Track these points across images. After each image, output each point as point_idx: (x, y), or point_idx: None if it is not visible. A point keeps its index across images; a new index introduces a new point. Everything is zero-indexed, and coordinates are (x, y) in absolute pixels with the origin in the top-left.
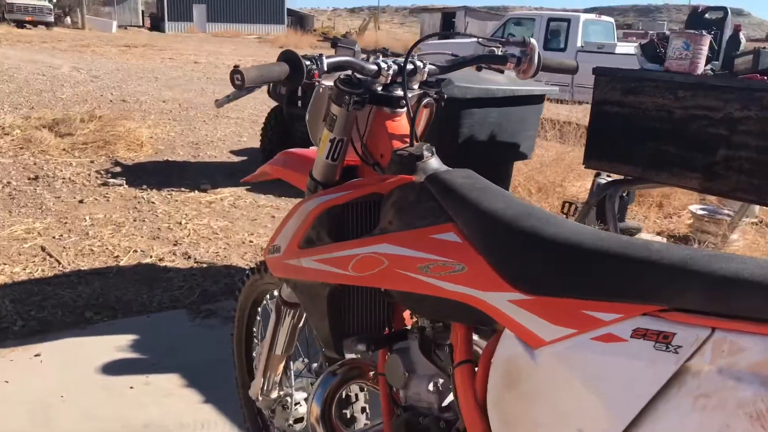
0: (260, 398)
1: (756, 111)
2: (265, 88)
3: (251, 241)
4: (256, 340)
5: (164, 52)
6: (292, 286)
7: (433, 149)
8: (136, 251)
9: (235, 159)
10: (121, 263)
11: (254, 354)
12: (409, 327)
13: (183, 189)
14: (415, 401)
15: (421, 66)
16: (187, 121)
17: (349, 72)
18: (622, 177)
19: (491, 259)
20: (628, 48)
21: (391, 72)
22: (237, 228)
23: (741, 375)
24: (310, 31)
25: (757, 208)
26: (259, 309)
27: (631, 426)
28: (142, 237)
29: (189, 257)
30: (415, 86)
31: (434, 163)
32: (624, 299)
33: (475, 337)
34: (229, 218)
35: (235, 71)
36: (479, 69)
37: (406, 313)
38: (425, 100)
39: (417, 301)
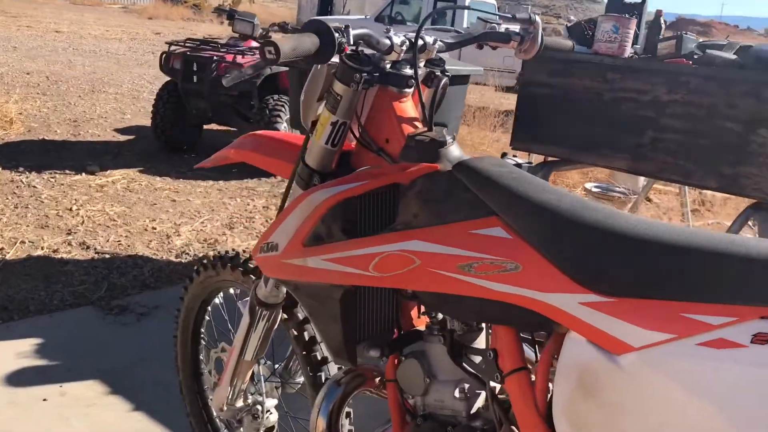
0: (225, 408)
1: (682, 94)
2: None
3: (154, 228)
4: (203, 341)
5: (19, 20)
6: (292, 289)
7: (454, 134)
8: (23, 242)
9: (121, 138)
10: (8, 257)
11: (201, 357)
12: (420, 328)
13: (67, 171)
14: (437, 409)
15: (431, 42)
16: (59, 95)
17: (354, 47)
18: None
19: (554, 258)
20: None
21: (404, 48)
22: (136, 214)
23: None
24: (181, 2)
25: (641, 183)
26: (209, 308)
27: None
28: (28, 226)
29: (88, 247)
30: (421, 64)
31: (455, 149)
32: (735, 301)
33: None
34: (125, 203)
35: (268, 42)
36: (480, 47)
37: (414, 312)
38: (442, 81)
39: (454, 303)
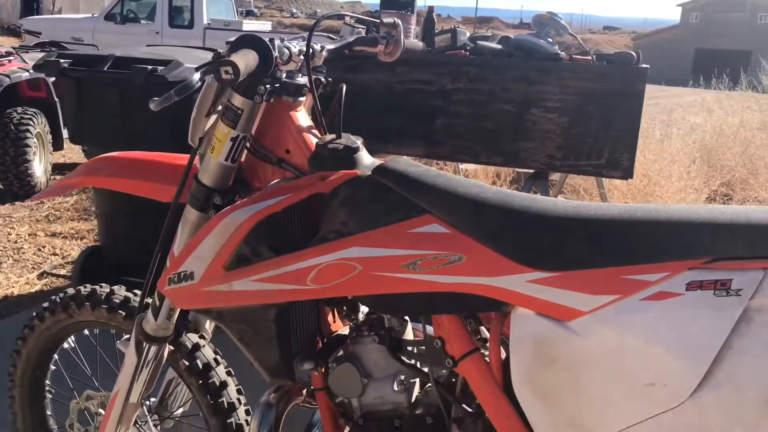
0: None
1: (464, 83)
2: None
3: None
4: (49, 395)
5: None
6: (215, 317)
7: (362, 139)
8: None
9: None
10: None
11: (48, 412)
12: (342, 332)
13: None
14: (377, 406)
15: (319, 49)
16: None
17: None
18: None
19: (495, 244)
20: (255, 25)
21: (301, 57)
22: None
23: None
24: None
25: None
26: (56, 356)
27: (714, 365)
28: None
29: None
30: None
31: (366, 154)
32: (665, 259)
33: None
34: None
35: (225, 62)
36: (351, 52)
37: (330, 318)
38: (342, 85)
39: (397, 301)
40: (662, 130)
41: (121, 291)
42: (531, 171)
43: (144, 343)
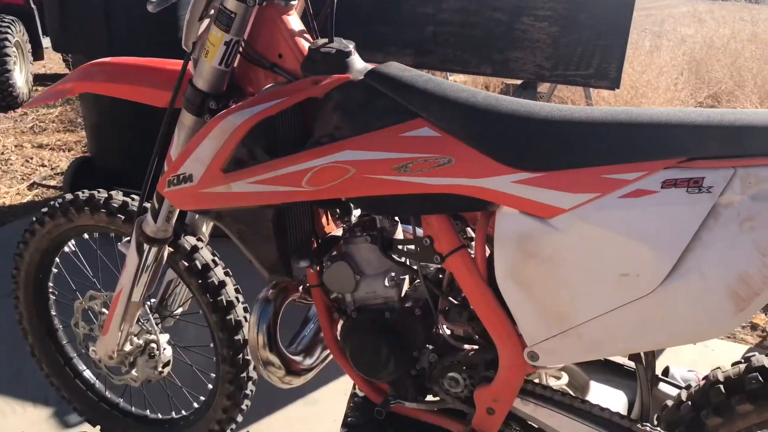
0: (114, 356)
1: None
2: None
3: None
4: (53, 297)
5: None
6: (214, 217)
7: (354, 44)
8: None
9: None
10: None
11: (53, 312)
12: (336, 233)
13: None
14: (369, 300)
15: None
16: None
17: None
18: None
19: (483, 147)
20: None
21: None
22: None
23: None
24: None
25: None
26: (57, 259)
27: (682, 259)
28: None
29: None
30: None
31: (358, 58)
32: (643, 158)
33: None
34: None
35: None
36: None
37: (324, 220)
38: None
39: (389, 202)
40: (652, 42)
41: (119, 196)
42: (519, 81)
43: (144, 245)
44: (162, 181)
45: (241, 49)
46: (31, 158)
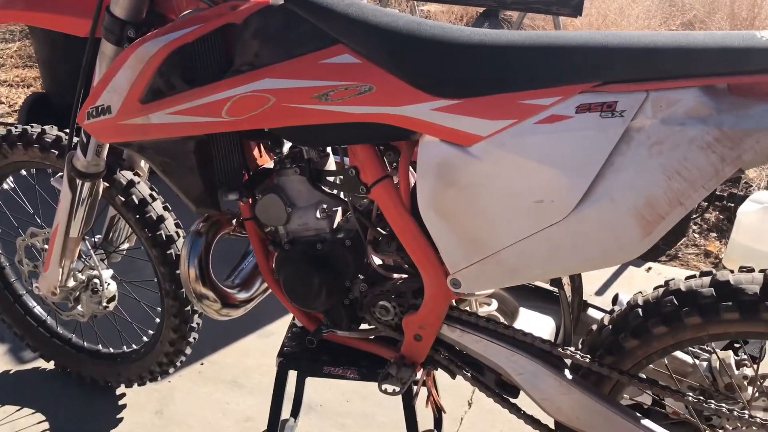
0: (57, 292)
1: None
2: None
3: None
4: None
5: None
6: (136, 149)
7: None
8: None
9: None
10: None
11: None
12: (267, 166)
13: None
14: (301, 232)
15: None
16: None
17: None
18: None
19: (403, 74)
20: None
21: None
22: None
23: (683, 120)
24: None
25: None
26: None
27: (594, 183)
28: None
29: None
30: None
31: None
32: (558, 83)
33: None
34: None
35: None
36: None
37: (256, 153)
38: None
39: (312, 132)
40: None
41: (52, 131)
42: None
43: (76, 180)
44: (81, 113)
45: None
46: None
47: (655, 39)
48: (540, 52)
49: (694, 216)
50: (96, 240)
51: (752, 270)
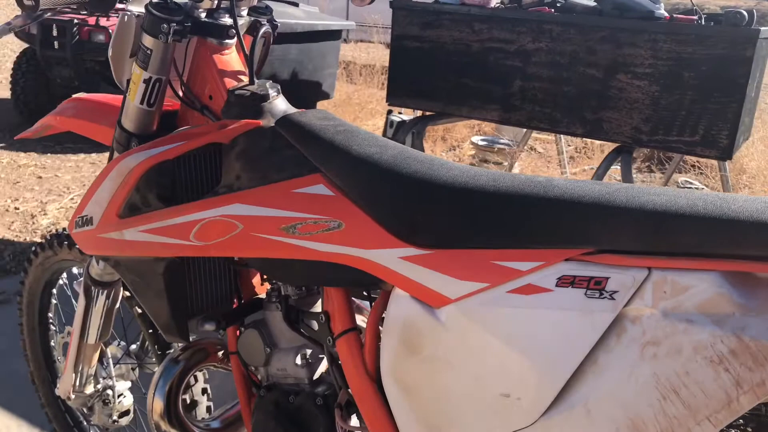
0: (72, 396)
1: (546, 43)
2: None
3: (17, 208)
4: (53, 328)
5: None
6: (113, 265)
7: (279, 87)
8: None
9: None
10: None
11: (52, 343)
12: (261, 296)
13: None
14: (280, 378)
15: None
16: None
17: None
18: (420, 113)
19: (374, 213)
20: None
21: None
22: None
23: (691, 316)
24: None
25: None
26: (54, 291)
27: (570, 384)
28: None
29: None
30: (244, 13)
31: (281, 103)
32: (542, 245)
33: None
34: None
35: None
36: None
37: (256, 280)
38: (262, 30)
39: (281, 267)
40: None
41: None
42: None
43: (92, 287)
44: (71, 221)
45: (176, 88)
46: None
47: (676, 198)
48: (528, 201)
49: None
50: (132, 348)
51: None
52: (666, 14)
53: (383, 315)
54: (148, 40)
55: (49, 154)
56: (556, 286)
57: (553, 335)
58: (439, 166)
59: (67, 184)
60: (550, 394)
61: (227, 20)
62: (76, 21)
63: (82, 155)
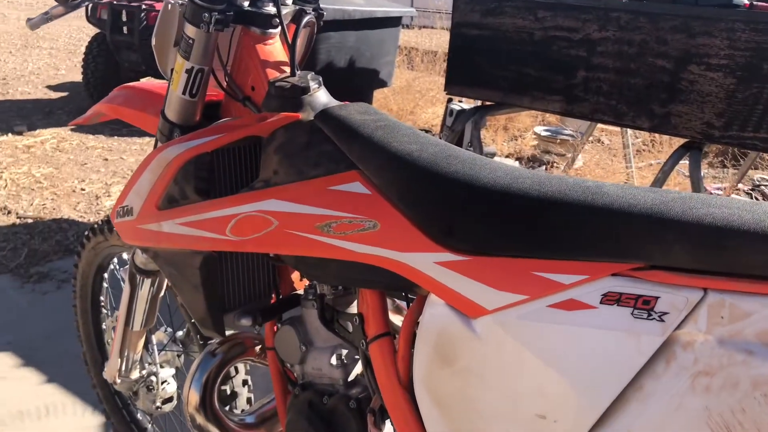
0: (118, 381)
1: (613, 31)
2: (81, 10)
3: (83, 189)
4: (104, 311)
5: None
6: (152, 256)
7: (320, 79)
8: None
9: (54, 95)
10: None
11: (104, 326)
12: (300, 292)
13: None
14: (315, 378)
15: None
16: None
17: None
18: (479, 102)
19: (411, 214)
20: None
21: None
22: (64, 175)
23: (751, 347)
24: None
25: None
26: (106, 275)
27: (612, 410)
28: None
29: (9, 212)
30: (289, 1)
31: (323, 96)
32: (587, 257)
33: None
34: (53, 164)
35: None
36: None
37: (295, 275)
38: (305, 19)
39: (315, 266)
40: None
41: None
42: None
43: (136, 275)
44: (113, 210)
45: (220, 78)
46: None
47: (740, 212)
48: (572, 209)
49: None
50: (178, 335)
51: None
52: (745, 1)
53: (418, 320)
54: (190, 30)
55: (116, 137)
56: (601, 303)
57: (595, 356)
58: (481, 166)
59: (131, 166)
60: (589, 419)
61: (271, 9)
62: (144, 6)
63: (147, 138)
